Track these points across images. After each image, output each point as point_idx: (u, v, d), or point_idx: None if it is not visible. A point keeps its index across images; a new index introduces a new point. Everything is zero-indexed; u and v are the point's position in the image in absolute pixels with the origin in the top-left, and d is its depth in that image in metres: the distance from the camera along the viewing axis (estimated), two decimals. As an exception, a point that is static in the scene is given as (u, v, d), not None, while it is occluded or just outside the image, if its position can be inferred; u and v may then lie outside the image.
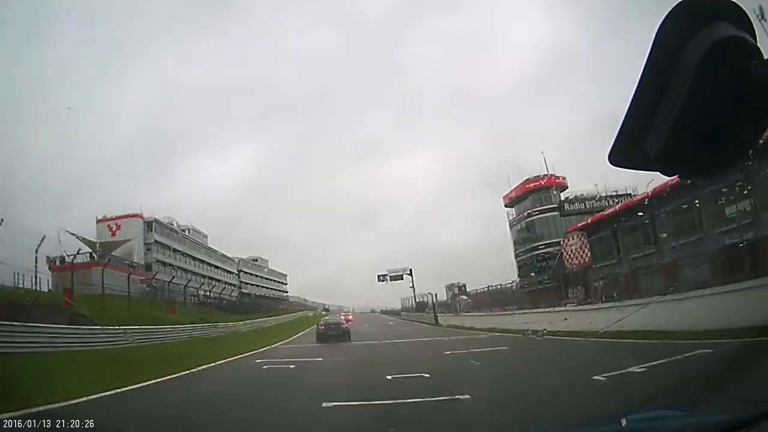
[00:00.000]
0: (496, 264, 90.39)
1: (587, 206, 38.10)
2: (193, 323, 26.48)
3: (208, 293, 44.15)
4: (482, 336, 20.25)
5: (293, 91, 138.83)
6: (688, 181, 13.17)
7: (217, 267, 61.53)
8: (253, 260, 74.75)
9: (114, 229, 45.81)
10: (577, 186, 41.52)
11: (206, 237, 62.36)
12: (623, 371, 7.13)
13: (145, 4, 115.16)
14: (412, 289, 51.20)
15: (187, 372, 10.76)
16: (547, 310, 22.54)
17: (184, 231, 56.02)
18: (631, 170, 1.02)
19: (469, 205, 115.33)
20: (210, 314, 35.36)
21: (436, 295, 45.64)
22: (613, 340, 12.69)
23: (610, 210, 29.13)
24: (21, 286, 21.54)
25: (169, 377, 9.85)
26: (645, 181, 22.37)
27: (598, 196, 38.01)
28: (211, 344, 20.28)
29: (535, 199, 43.01)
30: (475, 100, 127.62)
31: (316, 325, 26.89)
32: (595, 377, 6.92)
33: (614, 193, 37.02)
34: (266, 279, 79.09)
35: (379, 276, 52.67)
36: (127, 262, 37.57)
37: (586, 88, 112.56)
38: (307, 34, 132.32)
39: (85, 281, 25.84)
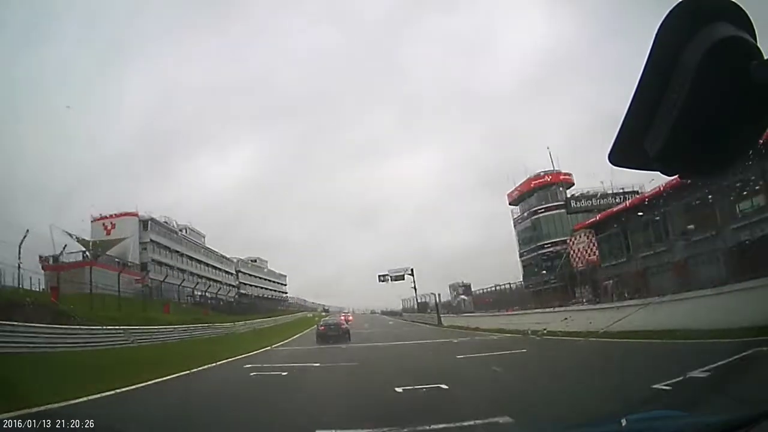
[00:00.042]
0: (499, 264, 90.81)
1: (594, 204, 38.09)
2: (186, 324, 26.37)
3: (203, 293, 44.27)
4: (493, 337, 19.75)
5: (293, 91, 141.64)
6: (688, 181, 13.15)
7: (215, 267, 61.70)
8: (251, 261, 75.02)
9: (109, 227, 45.93)
10: (579, 186, 41.57)
11: (204, 237, 62.59)
12: (684, 377, 6.06)
13: (144, 4, 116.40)
14: (413, 290, 51.37)
15: (157, 381, 9.43)
16: (556, 309, 22.38)
17: (181, 230, 56.12)
18: (631, 170, 1.04)
19: (470, 205, 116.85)
20: (206, 315, 35.51)
21: (439, 295, 45.63)
22: (640, 340, 11.99)
23: (620, 206, 28.94)
24: (7, 284, 21.56)
25: (128, 388, 8.26)
26: (651, 179, 22.43)
27: (605, 194, 37.93)
28: (200, 346, 19.89)
29: (541, 196, 42.90)
30: (476, 100, 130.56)
31: (316, 326, 27.36)
32: (655, 386, 5.71)
33: (621, 191, 36.96)
34: (265, 280, 79.35)
35: (380, 276, 52.92)
36: (117, 259, 37.63)
37: (586, 88, 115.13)
38: (307, 34, 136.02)
39: (78, 280, 26.00)
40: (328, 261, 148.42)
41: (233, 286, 63.58)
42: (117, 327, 18.78)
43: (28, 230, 21.19)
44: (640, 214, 23.93)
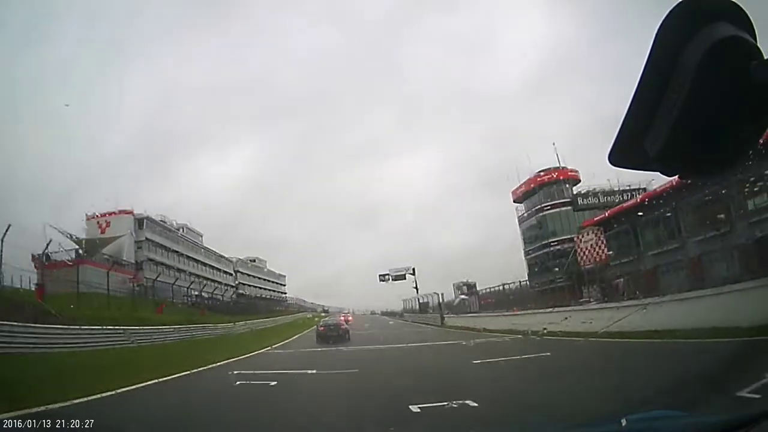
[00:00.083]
0: (501, 264, 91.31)
1: (601, 201, 38.05)
2: (180, 324, 26.17)
3: (199, 293, 44.39)
4: (505, 339, 19.03)
5: (293, 91, 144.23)
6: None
7: (213, 267, 61.87)
8: (250, 260, 75.27)
9: (104, 225, 46.03)
10: (583, 185, 41.62)
11: (201, 236, 62.78)
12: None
13: (144, 5, 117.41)
14: (414, 289, 51.40)
15: (123, 390, 8.34)
16: (567, 309, 21.89)
17: (178, 229, 56.28)
18: (631, 170, 1.07)
19: (471, 205, 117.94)
20: (202, 315, 35.62)
21: (442, 294, 45.57)
22: (669, 340, 11.34)
23: (630, 202, 28.70)
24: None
25: (63, 404, 6.65)
26: (656, 177, 22.32)
27: (612, 191, 37.84)
28: (189, 348, 19.36)
29: (547, 193, 42.81)
30: (476, 99, 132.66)
31: (316, 326, 27.78)
32: (740, 394, 4.72)
33: (627, 187, 36.87)
34: (264, 280, 79.57)
35: (380, 276, 53.06)
36: (107, 257, 37.72)
37: (587, 88, 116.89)
38: (307, 34, 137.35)
39: (70, 279, 26.07)
40: (328, 261, 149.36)
41: (232, 286, 63.80)
42: (100, 327, 18.22)
43: (9, 225, 20.74)
44: (651, 210, 23.78)
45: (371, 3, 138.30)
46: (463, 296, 46.75)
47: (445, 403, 6.11)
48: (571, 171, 42.71)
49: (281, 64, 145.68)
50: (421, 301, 50.45)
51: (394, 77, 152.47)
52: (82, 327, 17.39)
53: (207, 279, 55.58)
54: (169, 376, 10.57)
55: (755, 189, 16.96)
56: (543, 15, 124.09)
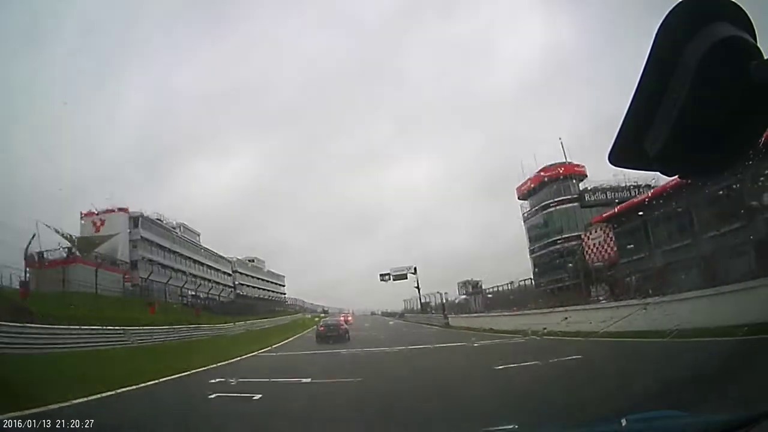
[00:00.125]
0: (504, 264, 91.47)
1: (608, 197, 37.97)
2: (171, 325, 25.92)
3: (195, 292, 44.53)
4: (520, 340, 18.10)
5: (293, 97, 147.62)
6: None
7: (210, 267, 62.04)
8: (249, 260, 75.52)
9: (98, 224, 46.14)
10: (587, 182, 41.50)
11: (199, 235, 62.92)
12: None
13: (144, 9, 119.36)
14: (416, 289, 51.24)
15: (61, 405, 6.63)
16: (578, 308, 21.25)
17: (174, 228, 56.40)
18: (631, 170, 1.10)
19: (472, 205, 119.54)
20: (198, 315, 35.64)
21: (446, 293, 45.57)
22: (689, 339, 10.55)
23: (641, 197, 28.39)
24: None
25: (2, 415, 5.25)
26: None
27: (619, 187, 37.73)
28: (174, 351, 18.66)
29: (553, 189, 42.63)
30: (476, 103, 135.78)
31: (315, 327, 28.29)
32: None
33: (635, 184, 36.74)
34: (263, 280, 79.86)
35: (381, 275, 52.78)
36: (97, 256, 37.79)
37: (587, 90, 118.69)
38: (307, 41, 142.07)
39: (62, 278, 26.22)
40: (329, 264, 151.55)
41: (229, 286, 63.99)
42: (77, 328, 17.59)
43: None
44: (663, 205, 23.48)
45: (371, 10, 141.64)
46: (464, 296, 46.71)
47: None
48: (578, 166, 42.36)
49: (283, 70, 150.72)
50: (423, 301, 50.51)
51: (395, 82, 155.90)
52: (59, 327, 16.69)
53: (204, 279, 55.78)
54: (134, 385, 9.08)
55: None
56: (542, 17, 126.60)
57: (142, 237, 48.65)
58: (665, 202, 22.96)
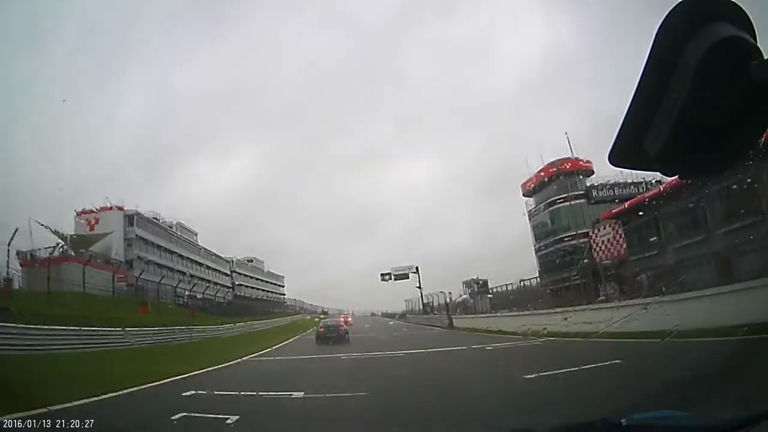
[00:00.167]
0: (507, 264, 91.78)
1: (616, 193, 37.93)
2: (163, 326, 25.50)
3: (189, 292, 44.62)
4: (538, 342, 17.06)
5: (293, 97, 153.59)
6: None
7: (207, 267, 62.22)
8: (248, 261, 75.81)
9: (92, 222, 46.26)
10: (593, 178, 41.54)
11: (196, 234, 63.22)
12: None
13: (144, 10, 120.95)
14: (418, 289, 51.23)
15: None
16: (594, 306, 20.84)
17: (171, 227, 56.52)
18: (631, 170, 1.13)
19: (472, 207, 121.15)
20: (193, 316, 35.64)
21: (450, 293, 45.42)
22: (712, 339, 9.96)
23: (653, 191, 27.68)
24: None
25: None
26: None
27: (627, 183, 37.63)
28: (157, 355, 17.83)
29: (559, 185, 42.52)
30: (476, 104, 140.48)
31: (315, 328, 28.53)
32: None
33: (642, 180, 36.62)
34: (262, 281, 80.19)
35: (382, 275, 52.74)
36: (89, 252, 37.86)
37: (587, 90, 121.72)
38: (307, 41, 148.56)
39: (53, 276, 26.25)
40: (328, 264, 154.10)
41: (228, 287, 64.22)
42: (57, 328, 16.94)
43: None
44: (675, 200, 23.05)
45: (371, 10, 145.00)
46: (464, 296, 46.61)
47: None
48: (584, 162, 42.27)
49: (283, 70, 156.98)
50: (425, 301, 50.39)
51: (395, 82, 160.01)
52: (35, 327, 15.96)
53: (201, 279, 55.91)
54: (85, 398, 7.49)
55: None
56: (542, 17, 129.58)
57: (137, 235, 48.79)
58: (678, 198, 22.72)
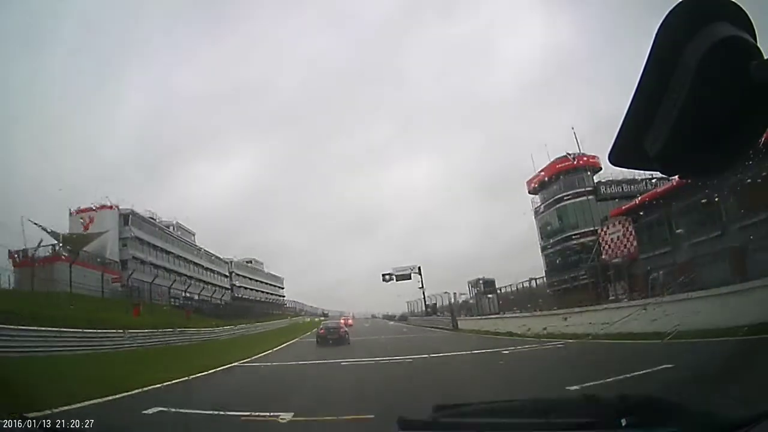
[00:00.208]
0: (508, 264, 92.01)
1: (624, 190, 37.81)
2: (155, 328, 24.92)
3: (185, 293, 44.70)
4: (556, 344, 16.10)
5: (294, 98, 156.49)
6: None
7: (205, 268, 62.34)
8: (247, 262, 75.93)
9: (87, 221, 46.35)
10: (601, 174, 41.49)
11: (194, 234, 63.36)
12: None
13: (144, 10, 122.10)
14: (421, 290, 50.88)
15: None
16: (613, 306, 20.20)
17: (167, 227, 56.62)
18: (631, 170, 1.16)
19: (473, 207, 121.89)
20: (188, 318, 35.50)
21: (455, 294, 45.15)
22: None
23: (665, 186, 26.51)
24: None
25: None
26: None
27: (635, 179, 37.41)
28: (138, 359, 17.07)
29: (567, 182, 42.29)
30: (476, 104, 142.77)
31: (316, 329, 28.78)
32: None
33: (650, 177, 36.43)
34: (261, 282, 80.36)
35: (383, 275, 52.42)
36: (83, 252, 37.92)
37: (587, 90, 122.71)
38: (307, 42, 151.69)
39: (47, 277, 26.36)
40: (329, 264, 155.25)
41: (226, 288, 64.39)
42: (33, 329, 16.29)
43: None
44: (688, 195, 22.74)
45: (371, 10, 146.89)
46: (468, 296, 46.38)
47: None
48: (592, 158, 41.84)
49: (283, 70, 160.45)
50: (428, 302, 50.00)
51: (395, 82, 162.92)
52: (10, 327, 15.18)
53: (198, 280, 56.03)
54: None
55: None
56: (542, 17, 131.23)
57: (132, 235, 48.88)
58: (690, 193, 22.46)
